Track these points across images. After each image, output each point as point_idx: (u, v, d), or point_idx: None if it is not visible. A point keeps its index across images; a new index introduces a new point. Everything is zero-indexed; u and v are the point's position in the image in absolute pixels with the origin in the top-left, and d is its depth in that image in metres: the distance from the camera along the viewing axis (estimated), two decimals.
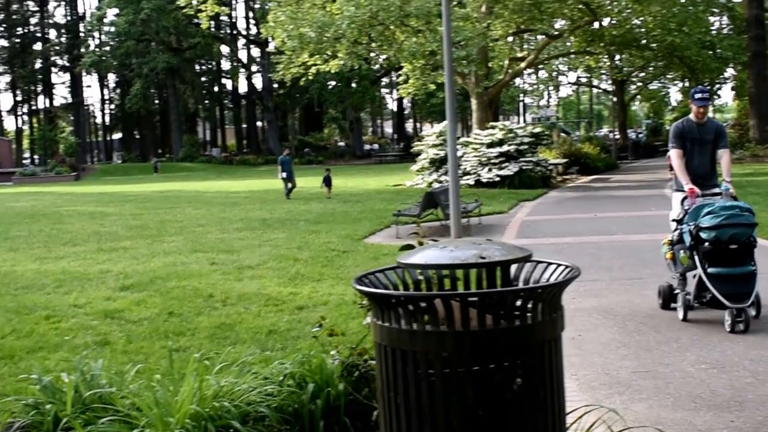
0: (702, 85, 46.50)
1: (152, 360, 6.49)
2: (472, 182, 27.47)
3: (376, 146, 78.84)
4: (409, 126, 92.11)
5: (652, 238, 13.50)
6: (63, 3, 78.83)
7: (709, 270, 7.18)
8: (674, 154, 8.01)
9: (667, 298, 7.93)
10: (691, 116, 8.14)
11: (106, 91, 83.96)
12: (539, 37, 39.11)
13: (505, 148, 27.92)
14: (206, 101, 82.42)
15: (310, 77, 33.13)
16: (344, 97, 66.65)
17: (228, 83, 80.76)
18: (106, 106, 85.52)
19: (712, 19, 46.23)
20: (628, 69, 51.47)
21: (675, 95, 75.00)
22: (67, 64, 75.38)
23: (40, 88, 78.42)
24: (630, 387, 5.59)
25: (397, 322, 3.05)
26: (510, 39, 36.39)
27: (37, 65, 75.23)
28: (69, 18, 78.26)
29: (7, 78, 77.01)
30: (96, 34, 74.50)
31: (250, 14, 72.58)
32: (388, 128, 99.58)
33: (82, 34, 73.91)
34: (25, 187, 42.20)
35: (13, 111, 79.20)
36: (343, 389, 4.41)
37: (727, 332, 6.89)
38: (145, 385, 4.72)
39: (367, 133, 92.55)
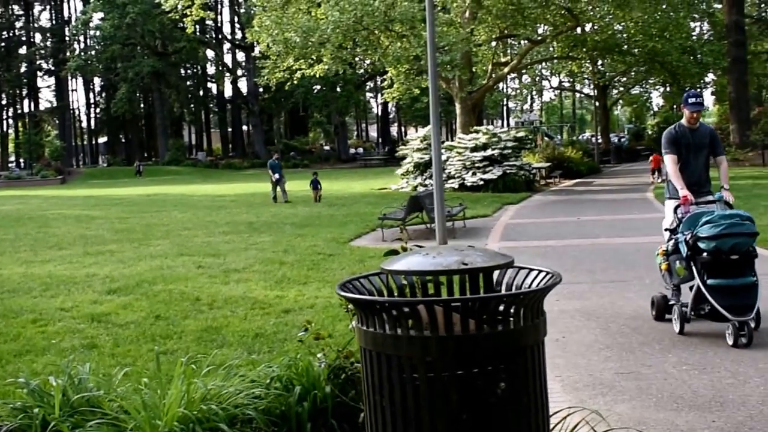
0: (684, 89, 46.95)
1: (139, 363, 6.50)
2: (456, 186, 27.62)
3: (361, 150, 79.01)
4: (393, 130, 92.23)
5: (635, 241, 13.68)
6: (48, 7, 78.39)
7: (709, 281, 6.86)
8: (669, 160, 7.77)
9: (662, 309, 7.62)
10: (684, 121, 7.92)
11: (91, 95, 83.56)
12: (522, 42, 39.45)
13: (489, 152, 28.08)
14: (192, 105, 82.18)
15: (296, 81, 33.19)
16: (329, 101, 66.69)
17: (213, 87, 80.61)
18: (92, 109, 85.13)
19: (692, 24, 46.66)
20: (610, 74, 51.89)
21: (657, 100, 75.61)
22: (53, 68, 74.89)
23: (25, 92, 77.99)
24: (613, 388, 5.65)
25: (382, 327, 3.08)
26: (493, 44, 36.67)
27: (23, 69, 74.78)
28: (54, 22, 77.81)
29: None
30: (81, 38, 74.28)
31: (236, 19, 72.63)
32: (373, 132, 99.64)
33: (67, 38, 73.49)
34: (10, 191, 41.95)
35: None
36: (329, 392, 4.43)
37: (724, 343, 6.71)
38: (133, 388, 4.73)
39: (352, 137, 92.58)
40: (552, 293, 3.36)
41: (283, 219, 19.72)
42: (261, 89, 64.82)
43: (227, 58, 76.22)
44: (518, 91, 78.17)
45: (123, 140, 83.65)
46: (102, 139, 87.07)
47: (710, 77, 50.96)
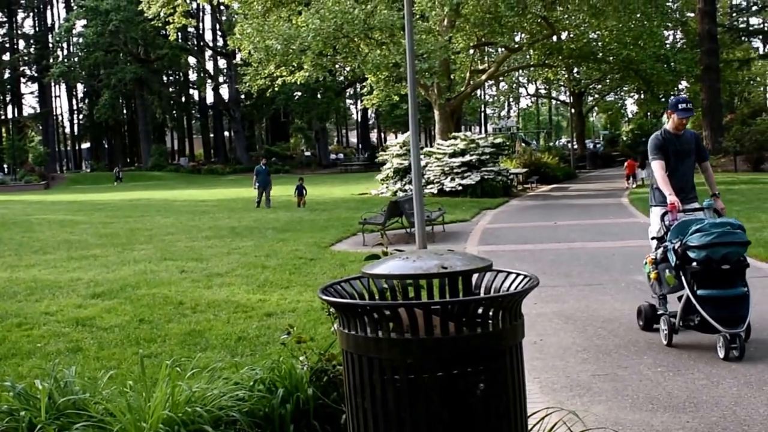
0: (658, 97, 47.32)
1: (124, 366, 6.53)
2: (435, 191, 27.77)
3: (341, 156, 79.05)
4: (373, 136, 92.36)
5: (610, 245, 13.84)
6: (32, 14, 78.00)
7: (699, 292, 6.57)
8: (657, 166, 7.46)
9: (649, 319, 7.39)
10: (668, 127, 7.66)
11: (74, 101, 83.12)
12: (500, 50, 39.64)
13: (467, 158, 28.26)
14: (174, 111, 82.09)
15: (277, 88, 33.30)
16: (310, 107, 66.76)
17: (195, 94, 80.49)
18: (75, 115, 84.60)
19: (666, 33, 47.12)
20: (585, 81, 52.23)
21: (631, 107, 76.16)
22: (36, 74, 74.52)
23: (8, 98, 77.52)
24: (590, 389, 5.74)
25: (363, 330, 3.13)
26: (471, 52, 36.86)
27: (6, 75, 74.32)
28: (38, 29, 77.42)
29: None
30: (64, 45, 73.96)
31: (217, 26, 72.44)
32: (353, 138, 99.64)
33: (50, 45, 73.14)
34: None
35: None
36: (312, 394, 4.47)
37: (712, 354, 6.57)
38: (118, 391, 4.73)
39: (332, 142, 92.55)
40: (530, 296, 3.45)
41: (265, 224, 19.74)
42: (242, 96, 65.03)
43: (209, 65, 76.23)
44: (496, 97, 78.43)
45: (106, 146, 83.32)
46: (85, 145, 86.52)
47: (683, 85, 51.31)
